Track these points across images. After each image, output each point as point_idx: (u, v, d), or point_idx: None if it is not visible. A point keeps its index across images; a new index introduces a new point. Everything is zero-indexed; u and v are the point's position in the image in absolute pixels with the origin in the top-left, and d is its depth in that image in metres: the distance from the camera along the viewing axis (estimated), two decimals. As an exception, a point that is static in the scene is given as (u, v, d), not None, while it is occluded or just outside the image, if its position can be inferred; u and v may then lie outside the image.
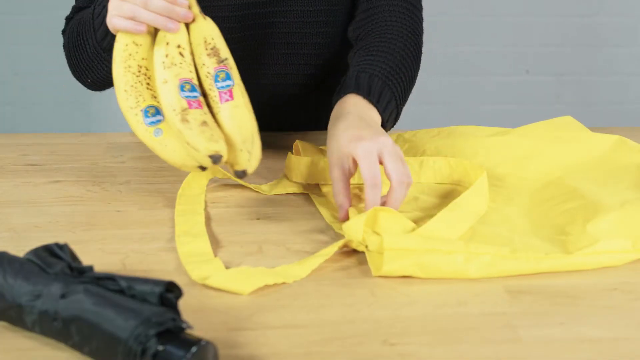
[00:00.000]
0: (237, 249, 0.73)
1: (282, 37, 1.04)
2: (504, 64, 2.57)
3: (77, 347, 0.54)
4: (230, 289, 0.65)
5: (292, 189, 0.88)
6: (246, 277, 0.66)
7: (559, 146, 0.95)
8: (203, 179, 0.87)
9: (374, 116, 0.86)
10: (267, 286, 0.66)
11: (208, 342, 0.52)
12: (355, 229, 0.71)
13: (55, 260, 0.58)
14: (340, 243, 0.72)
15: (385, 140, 0.78)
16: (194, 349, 0.50)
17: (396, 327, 0.61)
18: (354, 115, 0.83)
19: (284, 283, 0.66)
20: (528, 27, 2.55)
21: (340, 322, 0.61)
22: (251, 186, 0.88)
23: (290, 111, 1.12)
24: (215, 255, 0.72)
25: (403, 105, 0.94)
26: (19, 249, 0.70)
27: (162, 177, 0.90)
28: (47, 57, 2.45)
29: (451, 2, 2.49)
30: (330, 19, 1.04)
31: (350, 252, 0.73)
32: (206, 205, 0.83)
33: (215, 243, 0.74)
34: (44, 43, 2.45)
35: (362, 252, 0.72)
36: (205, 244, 0.73)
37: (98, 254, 0.71)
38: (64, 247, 0.59)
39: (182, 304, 0.62)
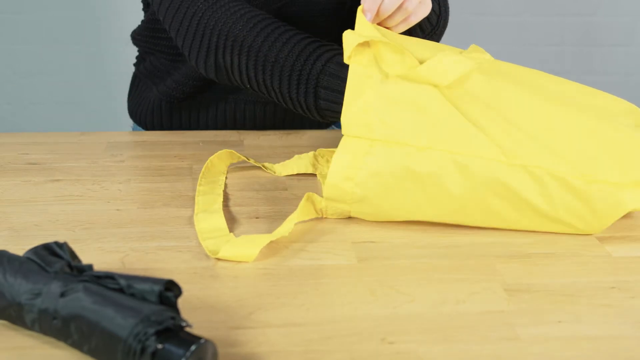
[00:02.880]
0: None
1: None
2: (503, 64, 2.57)
3: (77, 345, 0.54)
4: (237, 259, 0.70)
5: (301, 169, 0.92)
6: (247, 244, 0.71)
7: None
8: (223, 162, 0.92)
9: None
10: (266, 283, 0.66)
11: (207, 341, 0.52)
12: (355, 37, 0.76)
13: (54, 259, 0.58)
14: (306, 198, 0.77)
15: None
16: (193, 347, 0.51)
17: (394, 325, 0.61)
18: None
19: (284, 281, 0.67)
20: (525, 26, 2.55)
21: (338, 321, 0.61)
22: (264, 167, 0.92)
23: None
24: (231, 231, 0.76)
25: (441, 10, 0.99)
26: (19, 248, 0.70)
27: (162, 176, 0.90)
28: (47, 57, 2.45)
29: (449, 2, 2.49)
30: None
31: (350, 249, 0.73)
32: (226, 187, 0.87)
33: (233, 221, 0.79)
34: (44, 43, 2.45)
35: (363, 249, 0.73)
36: (221, 220, 0.77)
37: (97, 253, 0.72)
38: (63, 246, 0.60)
39: (182, 302, 0.62)
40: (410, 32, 0.96)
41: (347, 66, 0.86)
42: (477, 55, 0.81)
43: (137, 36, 1.17)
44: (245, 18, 0.92)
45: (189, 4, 0.94)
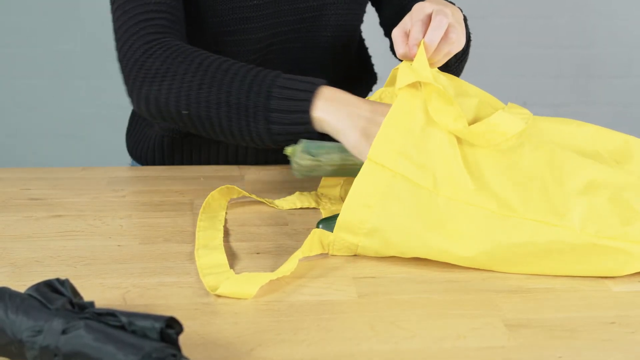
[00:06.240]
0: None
1: (305, 54, 1.08)
2: (501, 96, 2.58)
3: (78, 382, 0.54)
4: (236, 296, 0.70)
5: (304, 204, 0.92)
6: (247, 282, 0.71)
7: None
8: (224, 197, 0.92)
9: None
10: (267, 319, 0.66)
11: (208, 378, 0.52)
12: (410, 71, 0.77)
13: (56, 296, 0.58)
14: (315, 234, 0.78)
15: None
16: (194, 385, 0.51)
17: (395, 362, 0.61)
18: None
19: (285, 317, 0.67)
20: (524, 58, 2.57)
21: (339, 356, 0.61)
22: (266, 201, 0.92)
23: None
24: (232, 267, 0.76)
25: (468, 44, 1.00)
26: (20, 284, 0.70)
27: (163, 212, 0.90)
28: (49, 90, 2.47)
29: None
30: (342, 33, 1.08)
31: (350, 284, 0.73)
32: (226, 222, 0.87)
33: (233, 256, 0.79)
34: (46, 76, 2.47)
35: (363, 285, 0.73)
36: (221, 256, 0.77)
37: (99, 289, 0.72)
38: (65, 283, 0.60)
39: (182, 338, 0.62)
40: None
41: (297, 78, 0.84)
42: (520, 111, 0.82)
43: None
44: (183, 53, 0.89)
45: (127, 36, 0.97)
